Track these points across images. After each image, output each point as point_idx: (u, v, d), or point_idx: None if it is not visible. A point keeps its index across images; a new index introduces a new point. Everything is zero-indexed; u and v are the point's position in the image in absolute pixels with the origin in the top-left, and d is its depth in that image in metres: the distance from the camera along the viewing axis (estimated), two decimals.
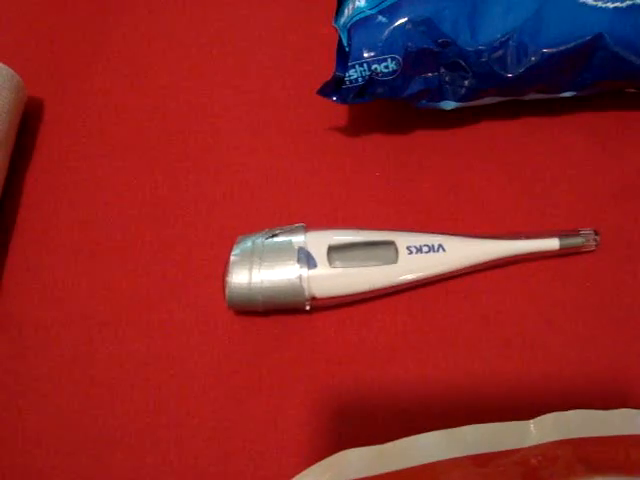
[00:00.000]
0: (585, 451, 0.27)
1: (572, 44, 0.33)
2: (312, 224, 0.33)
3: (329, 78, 0.34)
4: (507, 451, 0.28)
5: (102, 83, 0.41)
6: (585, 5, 0.33)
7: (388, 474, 0.28)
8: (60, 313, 0.33)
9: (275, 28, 0.42)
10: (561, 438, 0.28)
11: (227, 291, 0.31)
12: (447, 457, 0.28)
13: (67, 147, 0.38)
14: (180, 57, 0.42)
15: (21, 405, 0.31)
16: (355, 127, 0.38)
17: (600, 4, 0.33)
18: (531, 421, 0.29)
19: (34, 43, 0.43)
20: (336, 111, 0.37)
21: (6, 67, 0.37)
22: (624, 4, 0.33)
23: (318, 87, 0.34)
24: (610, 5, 0.33)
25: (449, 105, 0.35)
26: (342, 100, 0.34)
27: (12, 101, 0.37)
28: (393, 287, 0.32)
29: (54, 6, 0.44)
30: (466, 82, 0.34)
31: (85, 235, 0.36)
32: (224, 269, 0.31)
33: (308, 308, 0.32)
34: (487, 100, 0.36)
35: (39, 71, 0.42)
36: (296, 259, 0.31)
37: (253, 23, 0.43)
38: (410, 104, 0.35)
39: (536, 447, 0.28)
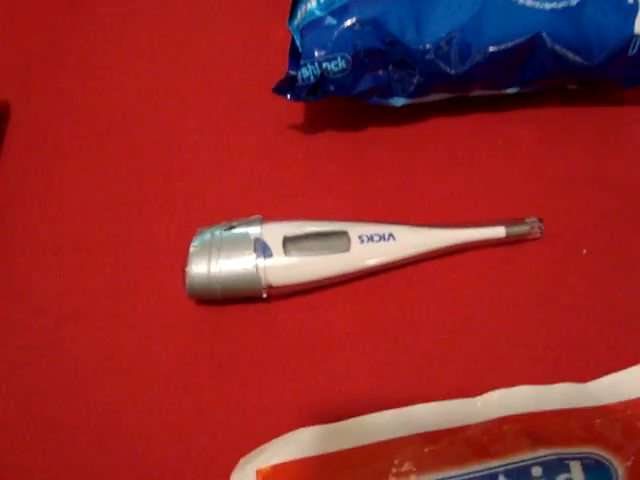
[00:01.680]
0: (530, 425, 0.29)
1: (513, 42, 0.35)
2: (269, 216, 0.34)
3: (283, 77, 0.35)
4: (456, 428, 0.29)
5: (66, 84, 0.42)
6: (524, 6, 0.35)
7: (340, 452, 0.29)
8: (25, 306, 0.34)
9: (234, 30, 0.44)
10: (507, 414, 0.29)
11: (187, 281, 0.32)
12: (398, 435, 0.29)
13: (33, 147, 0.40)
14: (141, 58, 0.43)
15: None
16: (310, 123, 0.40)
17: (538, 5, 0.35)
18: (478, 398, 0.30)
19: (0, 46, 0.44)
20: (292, 108, 0.39)
21: None
22: (560, 5, 0.35)
23: (272, 86, 0.36)
24: (547, 6, 0.35)
25: (399, 101, 0.37)
26: (296, 97, 0.35)
27: None
28: (346, 275, 0.33)
29: (21, 9, 0.46)
30: (414, 79, 0.36)
31: (50, 231, 0.37)
32: (184, 260, 0.33)
33: (265, 296, 0.33)
34: (436, 96, 0.37)
35: (6, 73, 0.43)
36: (253, 249, 0.32)
37: (213, 25, 0.45)
38: (361, 101, 0.37)
39: (484, 424, 0.29)
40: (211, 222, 0.34)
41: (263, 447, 0.29)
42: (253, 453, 0.29)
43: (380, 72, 0.36)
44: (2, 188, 0.38)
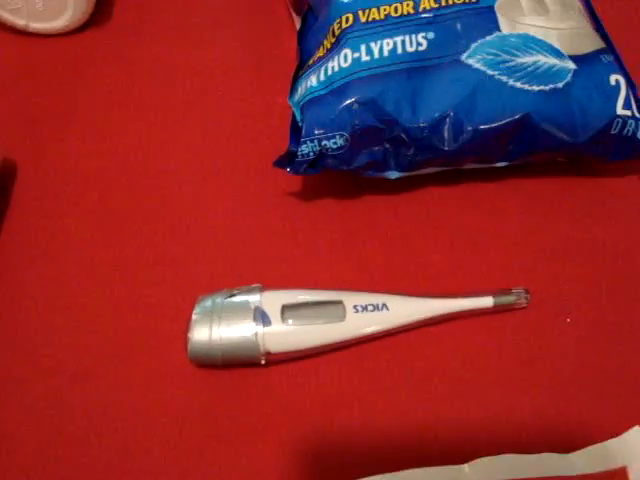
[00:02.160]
0: None
1: (503, 122, 0.37)
2: (268, 284, 0.36)
3: (284, 152, 0.37)
4: None
5: (73, 147, 0.44)
6: (514, 88, 0.37)
7: None
8: (31, 366, 0.35)
9: (236, 97, 0.46)
10: None
11: (189, 347, 0.34)
12: None
13: (39, 207, 0.41)
14: (144, 121, 0.45)
15: None
16: (308, 194, 0.41)
17: (527, 87, 0.37)
18: (465, 465, 0.32)
19: (9, 106, 0.46)
20: (292, 178, 0.41)
21: None
22: (547, 87, 0.37)
23: (275, 154, 0.38)
24: (535, 88, 0.37)
25: (393, 175, 0.39)
26: (295, 171, 0.37)
27: None
28: (341, 343, 0.35)
29: (29, 72, 0.48)
30: (408, 154, 0.38)
31: (55, 292, 0.38)
32: (186, 326, 0.34)
33: (264, 362, 0.34)
34: (429, 169, 0.39)
35: (13, 134, 0.44)
36: (252, 317, 0.34)
37: (215, 92, 0.46)
38: (357, 174, 0.39)
39: None
40: (212, 289, 0.35)
41: None
42: None
43: (376, 148, 0.37)
44: (7, 248, 0.39)
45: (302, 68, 0.39)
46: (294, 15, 0.46)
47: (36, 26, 0.49)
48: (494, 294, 0.36)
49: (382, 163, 0.38)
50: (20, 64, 0.49)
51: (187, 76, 0.47)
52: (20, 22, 0.49)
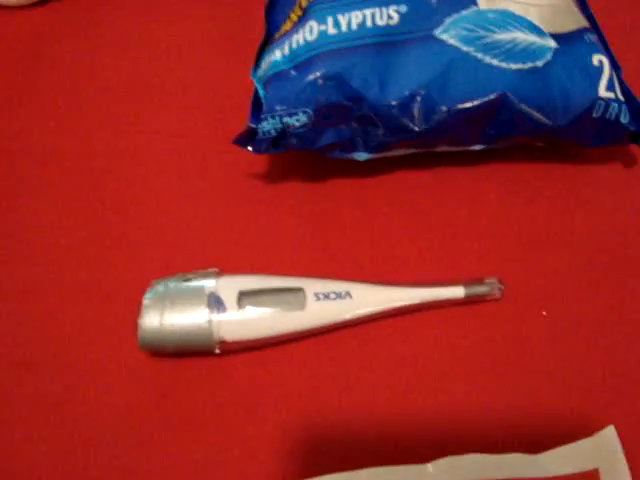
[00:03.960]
0: None
1: (478, 101, 0.35)
2: (226, 269, 0.34)
3: (244, 129, 0.35)
4: None
5: (32, 123, 0.42)
6: (490, 65, 0.35)
7: None
8: None
9: (202, 76, 0.44)
10: None
11: (139, 333, 0.32)
12: None
13: None
14: (108, 101, 0.43)
15: None
16: (271, 175, 0.39)
17: (504, 65, 0.35)
18: (429, 464, 0.30)
19: None
20: (254, 159, 0.39)
21: None
22: (526, 66, 0.35)
23: (236, 135, 0.36)
24: (513, 66, 0.35)
25: (361, 156, 0.37)
26: (257, 150, 0.35)
27: None
28: (301, 332, 0.33)
29: None
30: (377, 135, 0.36)
31: (3, 275, 0.36)
32: (137, 312, 0.32)
33: (218, 351, 0.32)
34: (399, 151, 0.37)
35: None
36: (206, 304, 0.32)
37: (180, 68, 0.44)
38: (323, 155, 0.37)
39: None
40: (167, 273, 0.34)
41: None
42: None
43: (343, 127, 0.35)
44: None
45: (268, 42, 0.37)
46: None
47: None
48: (465, 284, 0.34)
49: (349, 144, 0.36)
50: None
51: (153, 52, 0.45)
52: None
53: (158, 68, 0.45)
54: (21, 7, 0.47)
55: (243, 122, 0.37)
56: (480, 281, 0.34)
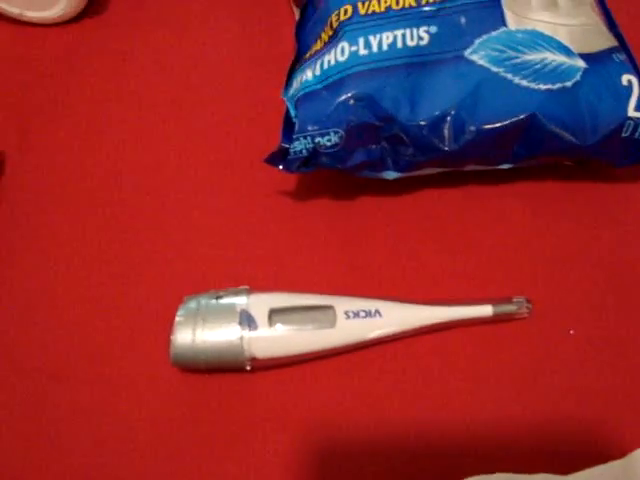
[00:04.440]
0: None
1: (507, 122, 0.35)
2: (256, 286, 0.34)
3: (275, 148, 0.36)
4: None
5: (63, 140, 0.43)
6: (519, 86, 0.35)
7: None
8: (10, 366, 0.34)
9: (231, 92, 0.44)
10: None
11: (171, 350, 0.32)
12: None
13: (24, 201, 0.40)
14: (138, 118, 0.43)
15: None
16: (301, 193, 0.40)
17: (533, 85, 0.35)
18: None
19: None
20: (284, 176, 0.39)
21: None
22: (555, 86, 0.35)
23: (269, 151, 0.36)
24: (542, 87, 0.35)
25: (391, 175, 0.37)
26: (287, 169, 0.36)
27: None
28: (331, 350, 0.33)
29: (22, 61, 0.47)
30: (407, 154, 0.36)
31: (37, 290, 0.37)
32: (170, 328, 0.33)
33: (249, 368, 0.33)
34: (428, 170, 0.37)
35: (3, 126, 0.43)
36: (238, 321, 0.32)
37: (211, 86, 0.45)
38: (353, 174, 0.37)
39: None
40: (199, 290, 0.34)
41: None
42: None
43: (373, 146, 0.36)
44: None
45: (299, 62, 0.37)
46: (294, 7, 0.44)
47: (30, 15, 0.48)
48: (494, 303, 0.34)
49: (379, 163, 0.36)
50: (13, 54, 0.47)
51: (183, 70, 0.46)
52: (14, 10, 0.48)
53: (189, 86, 0.45)
54: (56, 24, 0.48)
55: (273, 139, 0.37)
56: (508, 300, 0.35)
